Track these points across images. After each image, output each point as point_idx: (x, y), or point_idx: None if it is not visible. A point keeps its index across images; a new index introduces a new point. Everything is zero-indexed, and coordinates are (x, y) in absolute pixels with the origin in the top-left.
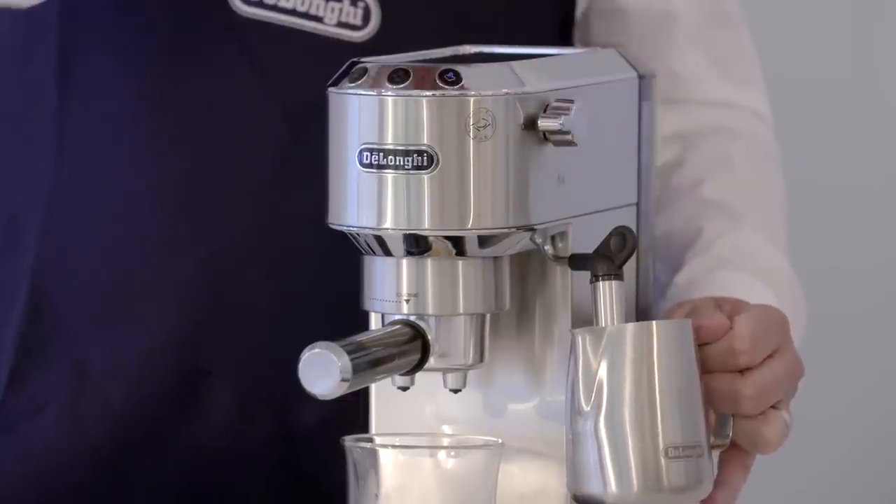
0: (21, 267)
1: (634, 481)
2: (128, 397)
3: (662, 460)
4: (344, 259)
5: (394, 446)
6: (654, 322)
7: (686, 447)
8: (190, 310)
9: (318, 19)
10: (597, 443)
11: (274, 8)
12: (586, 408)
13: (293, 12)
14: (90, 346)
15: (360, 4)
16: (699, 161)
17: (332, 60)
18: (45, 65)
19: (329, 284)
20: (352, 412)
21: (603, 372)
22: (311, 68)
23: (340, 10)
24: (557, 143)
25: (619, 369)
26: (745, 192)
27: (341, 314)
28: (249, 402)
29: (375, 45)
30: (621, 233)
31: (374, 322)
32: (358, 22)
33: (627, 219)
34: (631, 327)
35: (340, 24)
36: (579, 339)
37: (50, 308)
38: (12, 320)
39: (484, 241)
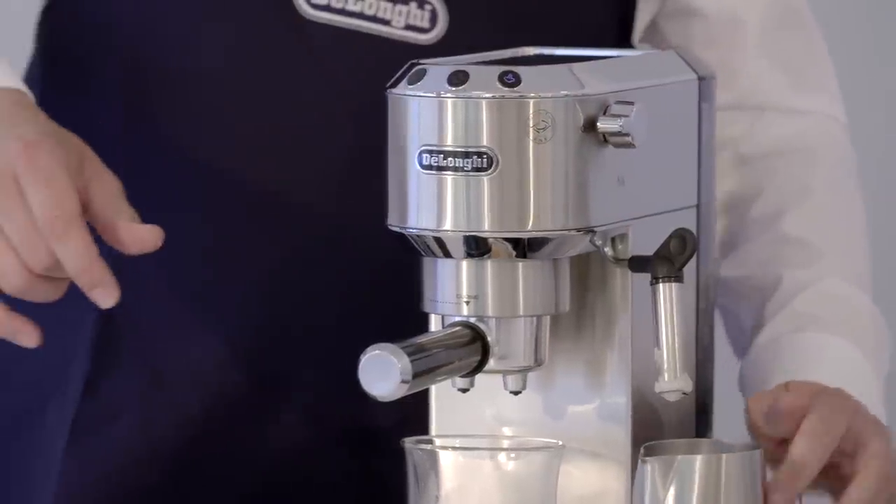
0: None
1: None
2: (202, 403)
3: None
4: (410, 263)
5: (454, 448)
6: (724, 456)
7: None
8: (262, 315)
9: (386, 22)
10: None
11: (341, 12)
12: None
13: (360, 15)
14: (164, 354)
15: (427, 7)
16: (777, 191)
17: (400, 63)
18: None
19: (395, 289)
20: (421, 411)
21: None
22: (378, 71)
23: (408, 13)
24: (617, 145)
25: (687, 502)
26: (826, 224)
27: (407, 318)
28: (321, 406)
29: (442, 48)
30: (681, 235)
31: (434, 324)
32: (425, 24)
33: (687, 221)
34: (701, 460)
35: (408, 27)
36: (648, 468)
37: (123, 317)
38: (86, 328)
39: (543, 242)
